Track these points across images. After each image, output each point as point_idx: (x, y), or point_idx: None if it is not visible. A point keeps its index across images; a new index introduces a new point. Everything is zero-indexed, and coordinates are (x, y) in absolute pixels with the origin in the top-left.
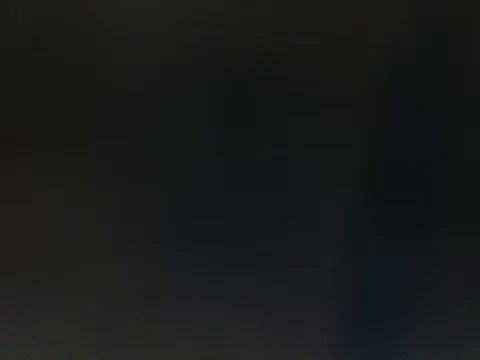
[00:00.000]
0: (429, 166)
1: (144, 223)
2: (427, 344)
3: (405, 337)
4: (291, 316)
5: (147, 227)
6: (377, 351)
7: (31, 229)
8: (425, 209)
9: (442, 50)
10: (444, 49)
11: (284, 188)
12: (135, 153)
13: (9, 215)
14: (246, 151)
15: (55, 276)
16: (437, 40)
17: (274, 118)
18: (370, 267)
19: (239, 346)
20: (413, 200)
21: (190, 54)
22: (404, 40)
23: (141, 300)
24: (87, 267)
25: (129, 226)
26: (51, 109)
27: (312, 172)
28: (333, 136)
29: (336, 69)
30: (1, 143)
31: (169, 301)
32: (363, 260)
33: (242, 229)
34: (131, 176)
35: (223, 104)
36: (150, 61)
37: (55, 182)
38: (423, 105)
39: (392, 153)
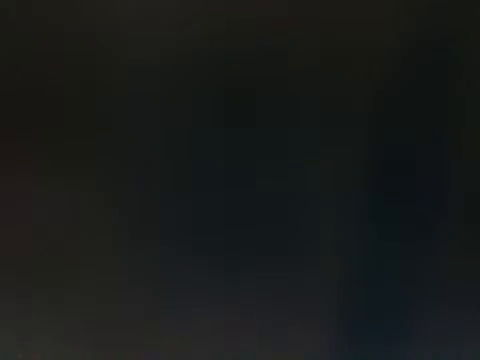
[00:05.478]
0: (429, 166)
1: (144, 223)
2: (428, 345)
3: (405, 338)
4: (291, 316)
5: (147, 227)
6: (377, 351)
7: (30, 229)
8: (425, 209)
9: (443, 50)
10: (445, 49)
11: (284, 188)
12: (135, 153)
13: (8, 215)
14: (246, 151)
15: (55, 276)
16: (437, 40)
17: (274, 118)
18: (371, 267)
19: (239, 346)
20: (413, 200)
21: (190, 54)
22: (405, 40)
23: (141, 300)
24: (87, 267)
25: (129, 226)
26: (51, 109)
27: (312, 172)
28: (333, 136)
29: (336, 69)
30: (1, 143)
31: (169, 301)
32: (364, 261)
33: (242, 229)
34: (131, 176)
35: (223, 104)
36: (150, 61)
37: (55, 182)
38: (423, 105)
39: (392, 153)
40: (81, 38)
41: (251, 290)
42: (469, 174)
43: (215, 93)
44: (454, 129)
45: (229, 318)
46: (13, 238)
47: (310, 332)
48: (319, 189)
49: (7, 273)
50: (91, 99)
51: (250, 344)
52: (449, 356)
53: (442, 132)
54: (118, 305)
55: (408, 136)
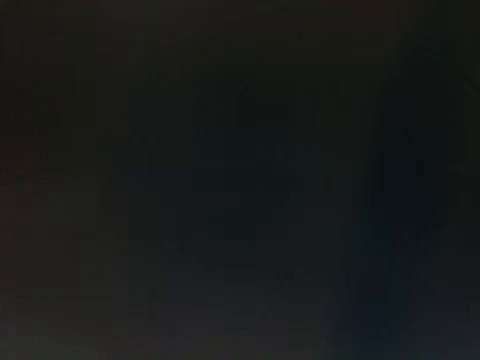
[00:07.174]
0: (429, 166)
1: (144, 223)
2: (427, 345)
3: (405, 338)
4: (292, 317)
5: (147, 227)
6: (378, 351)
7: (31, 229)
8: (425, 209)
9: (443, 50)
10: (445, 49)
11: (284, 188)
12: (135, 153)
13: (8, 215)
14: (246, 151)
15: (54, 276)
16: (438, 40)
17: (274, 118)
18: (371, 267)
19: (240, 346)
20: (413, 200)
21: (190, 54)
22: (405, 40)
23: (141, 300)
24: (87, 267)
25: (129, 226)
26: (51, 109)
27: (312, 172)
28: (333, 136)
29: (336, 69)
30: (1, 142)
31: (169, 301)
32: (364, 260)
33: (242, 229)
34: (131, 176)
35: (223, 104)
36: (150, 61)
37: (55, 182)
38: (423, 105)
39: (392, 153)
40: (81, 38)
41: (251, 290)
42: (470, 174)
43: (214, 92)
44: (454, 128)
45: (229, 318)
46: (12, 238)
47: (310, 332)
48: (319, 189)
49: (6, 273)
50: (91, 98)
51: (250, 344)
52: (449, 356)
53: (442, 132)
54: (117, 305)
55: (408, 136)
